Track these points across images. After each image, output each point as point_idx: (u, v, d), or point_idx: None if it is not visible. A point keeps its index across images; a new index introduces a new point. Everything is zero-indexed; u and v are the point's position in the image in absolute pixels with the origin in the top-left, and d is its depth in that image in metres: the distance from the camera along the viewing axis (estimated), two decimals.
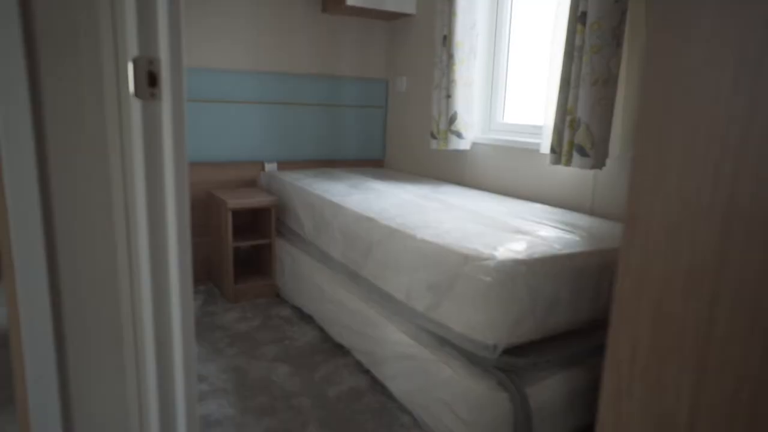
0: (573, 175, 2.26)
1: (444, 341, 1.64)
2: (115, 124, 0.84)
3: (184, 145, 0.88)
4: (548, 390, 1.51)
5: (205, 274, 3.10)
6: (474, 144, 2.80)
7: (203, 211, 3.05)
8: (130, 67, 0.79)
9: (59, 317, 0.86)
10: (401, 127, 3.40)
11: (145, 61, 0.81)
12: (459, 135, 2.70)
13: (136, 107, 0.82)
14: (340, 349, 2.27)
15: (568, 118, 2.00)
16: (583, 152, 1.94)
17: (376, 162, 3.59)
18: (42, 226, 0.82)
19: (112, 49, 0.80)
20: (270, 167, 3.20)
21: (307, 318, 2.60)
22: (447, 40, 2.65)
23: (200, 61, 2.91)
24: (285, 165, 3.26)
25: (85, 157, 0.84)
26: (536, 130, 2.51)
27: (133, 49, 0.79)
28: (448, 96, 2.67)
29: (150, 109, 0.83)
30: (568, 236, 1.70)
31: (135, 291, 0.91)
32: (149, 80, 0.82)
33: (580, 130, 1.94)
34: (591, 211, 2.19)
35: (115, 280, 0.91)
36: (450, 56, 2.63)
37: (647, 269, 0.38)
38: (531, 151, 2.45)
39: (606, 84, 1.88)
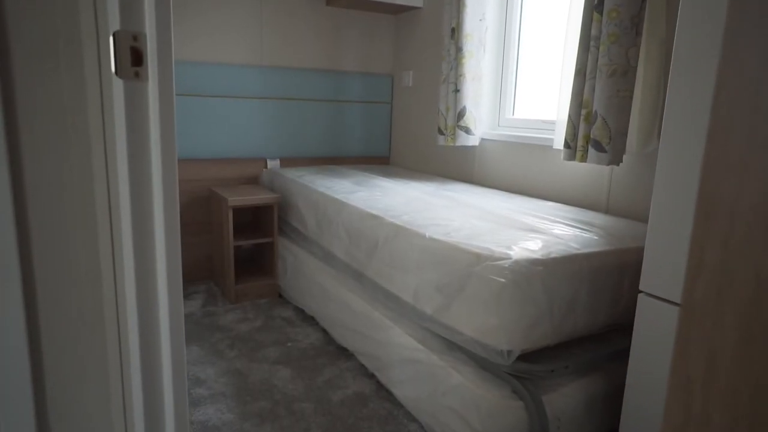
0: (587, 171, 2.17)
1: (454, 346, 1.55)
2: (97, 107, 0.76)
3: (172, 131, 0.80)
4: (565, 398, 1.42)
5: (205, 273, 3.03)
6: (483, 140, 2.71)
7: (204, 209, 2.97)
8: (111, 42, 0.71)
9: (34, 320, 0.78)
10: (407, 123, 3.32)
11: (128, 36, 0.72)
12: (467, 131, 2.61)
13: (117, 88, 0.73)
14: (343, 352, 2.18)
15: (583, 112, 1.91)
16: (599, 147, 1.85)
17: (381, 159, 3.51)
18: (14, 221, 0.73)
19: (93, 21, 0.71)
20: (272, 164, 3.12)
21: (309, 319, 2.52)
22: (455, 32, 2.56)
23: (201, 54, 2.83)
24: (288, 162, 3.18)
25: (63, 144, 0.76)
26: (548, 125, 2.42)
27: (114, 21, 0.71)
28: (457, 90, 2.58)
29: (134, 91, 0.75)
30: (585, 235, 1.61)
31: (119, 292, 0.83)
32: (133, 58, 0.74)
33: (596, 124, 1.85)
34: (606, 210, 2.10)
35: (98, 280, 0.83)
36: (458, 49, 2.54)
37: (732, 266, 0.30)
38: (543, 147, 2.36)
39: (624, 75, 1.79)
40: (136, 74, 0.74)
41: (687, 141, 1.16)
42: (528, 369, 1.36)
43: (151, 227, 0.82)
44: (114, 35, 0.71)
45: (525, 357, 1.39)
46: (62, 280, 0.80)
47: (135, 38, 0.73)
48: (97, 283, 0.83)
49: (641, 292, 1.30)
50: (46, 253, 0.77)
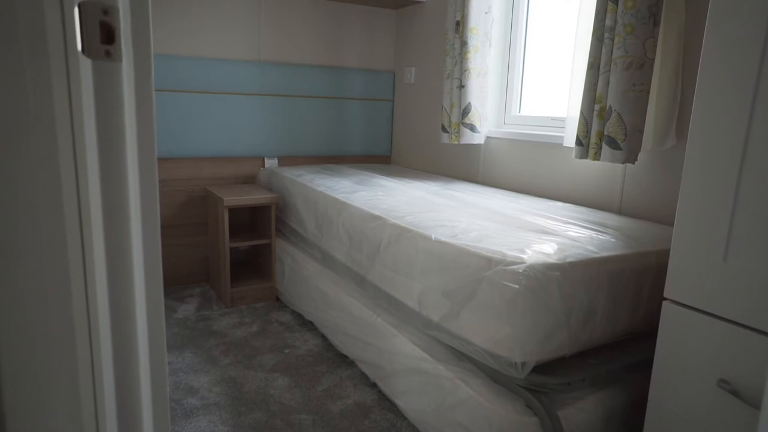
0: (599, 170, 2.07)
1: (462, 356, 1.46)
2: (63, 91, 0.66)
3: (151, 119, 0.70)
4: (582, 413, 1.32)
5: (201, 275, 2.93)
6: (488, 138, 2.62)
7: (199, 209, 2.88)
8: (76, 15, 0.61)
9: None
10: (409, 121, 3.22)
11: (97, 10, 0.62)
12: (473, 128, 2.51)
13: (85, 69, 0.64)
14: (343, 360, 2.09)
15: (596, 107, 1.81)
16: (614, 144, 1.76)
17: (382, 158, 3.41)
18: None
19: None
20: (270, 163, 3.02)
21: (308, 324, 2.42)
22: (460, 25, 2.47)
23: (197, 49, 2.73)
24: (286, 161, 3.09)
25: (24, 135, 0.66)
26: (557, 122, 2.32)
27: None
28: (461, 86, 2.48)
29: (105, 72, 0.65)
30: (601, 237, 1.51)
31: (91, 302, 0.73)
32: (104, 35, 0.64)
33: (611, 120, 1.75)
34: (619, 210, 2.01)
35: (66, 288, 0.73)
36: (463, 43, 2.45)
37: None
38: (552, 145, 2.27)
39: (641, 68, 1.69)
40: (107, 54, 0.65)
41: (721, 136, 1.06)
42: (543, 382, 1.26)
43: (127, 230, 0.72)
44: (80, 7, 0.61)
45: (539, 368, 1.29)
46: (26, 290, 0.70)
47: (105, 12, 0.63)
48: (65, 292, 0.73)
49: (666, 299, 1.20)
50: (5, 260, 0.67)
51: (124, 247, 0.72)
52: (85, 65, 0.63)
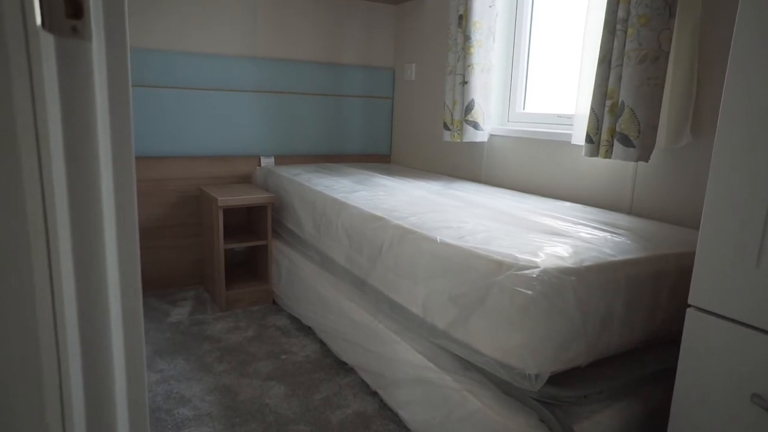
0: (608, 168, 1.99)
1: (470, 366, 1.37)
2: (24, 75, 0.58)
3: (127, 107, 0.62)
4: (599, 426, 1.24)
5: (195, 278, 2.84)
6: (492, 136, 2.53)
7: (193, 209, 2.78)
8: None
9: None
10: (409, 119, 3.14)
11: None
12: (476, 126, 2.43)
13: (47, 47, 0.55)
14: (342, 367, 2.00)
15: (608, 103, 1.73)
16: (627, 142, 1.67)
17: (381, 157, 3.32)
18: None
19: None
20: (266, 162, 2.93)
21: (306, 329, 2.33)
22: (463, 20, 2.38)
23: (191, 44, 2.64)
24: (283, 160, 3.00)
25: None
26: (563, 120, 2.24)
27: None
28: (464, 82, 2.40)
29: (71, 53, 0.56)
30: (616, 239, 1.43)
31: (59, 323, 0.65)
32: (69, 8, 0.55)
33: (623, 116, 1.67)
34: (629, 210, 1.92)
35: (31, 301, 0.64)
36: (467, 38, 2.36)
37: None
38: (558, 143, 2.18)
39: (655, 61, 1.61)
40: (74, 30, 0.56)
41: (753, 131, 0.98)
42: (558, 394, 1.17)
43: (99, 231, 0.63)
44: None
45: (553, 380, 1.21)
46: None
47: None
48: (29, 306, 0.64)
49: (690, 306, 1.12)
50: None
51: (95, 251, 0.63)
52: (47, 43, 0.55)
